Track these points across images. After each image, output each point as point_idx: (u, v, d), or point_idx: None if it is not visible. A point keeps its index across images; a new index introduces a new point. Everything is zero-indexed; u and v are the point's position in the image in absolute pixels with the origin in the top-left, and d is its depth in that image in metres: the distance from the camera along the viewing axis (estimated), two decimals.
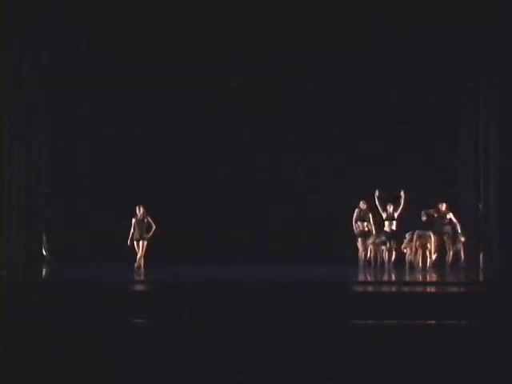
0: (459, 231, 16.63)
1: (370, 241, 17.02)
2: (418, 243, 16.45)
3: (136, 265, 16.32)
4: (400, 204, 16.82)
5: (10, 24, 16.05)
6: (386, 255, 16.95)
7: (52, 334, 9.61)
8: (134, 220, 16.40)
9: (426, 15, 16.81)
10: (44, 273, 16.51)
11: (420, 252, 16.57)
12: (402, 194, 16.83)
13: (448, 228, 16.60)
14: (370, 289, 14.56)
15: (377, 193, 16.90)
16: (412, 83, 17.79)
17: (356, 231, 17.15)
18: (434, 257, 16.51)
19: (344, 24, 17.42)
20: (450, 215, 16.64)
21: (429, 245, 16.51)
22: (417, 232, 16.50)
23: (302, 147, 18.30)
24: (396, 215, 16.89)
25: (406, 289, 14.38)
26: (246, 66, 18.05)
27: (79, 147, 18.24)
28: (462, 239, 16.64)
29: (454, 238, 16.61)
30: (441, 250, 16.65)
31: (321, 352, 9.18)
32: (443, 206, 16.67)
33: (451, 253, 16.74)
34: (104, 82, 17.99)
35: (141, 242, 16.38)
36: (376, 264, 16.94)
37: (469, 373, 8.78)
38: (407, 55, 17.59)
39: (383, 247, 16.91)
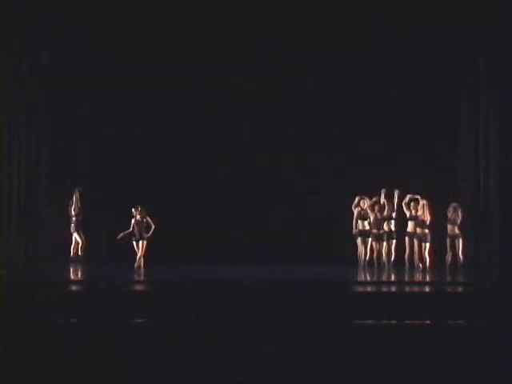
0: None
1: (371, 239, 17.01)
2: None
3: (136, 265, 16.32)
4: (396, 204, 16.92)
5: (10, 24, 16.06)
6: (385, 255, 16.94)
7: (52, 334, 9.61)
8: (133, 220, 16.42)
9: (425, 15, 16.84)
10: (80, 273, 16.40)
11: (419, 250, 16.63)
12: (396, 194, 16.90)
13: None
14: (369, 289, 14.56)
15: (384, 192, 16.94)
16: (412, 83, 17.77)
17: (355, 230, 17.13)
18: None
19: (344, 24, 17.44)
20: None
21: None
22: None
23: (302, 147, 18.29)
24: (394, 215, 16.94)
25: (406, 289, 14.39)
26: (245, 65, 18.03)
27: (79, 147, 18.22)
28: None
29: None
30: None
31: (320, 352, 9.18)
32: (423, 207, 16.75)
33: (451, 253, 16.79)
34: (104, 81, 17.96)
35: (141, 242, 16.40)
36: (379, 263, 16.89)
37: (469, 373, 8.79)
38: (407, 55, 17.58)
39: (384, 244, 16.88)
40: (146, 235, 16.36)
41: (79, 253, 17.48)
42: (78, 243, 17.47)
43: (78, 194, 17.42)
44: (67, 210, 17.47)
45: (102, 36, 17.53)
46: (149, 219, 16.39)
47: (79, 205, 17.44)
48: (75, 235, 17.46)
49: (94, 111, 18.06)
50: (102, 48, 17.80)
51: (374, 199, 16.98)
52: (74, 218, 17.44)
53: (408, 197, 16.74)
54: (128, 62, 18.00)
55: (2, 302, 10.88)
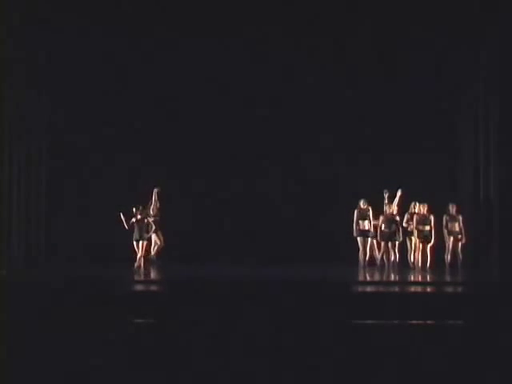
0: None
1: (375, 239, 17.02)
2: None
3: (136, 265, 16.33)
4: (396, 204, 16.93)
5: (10, 24, 16.07)
6: (385, 255, 16.96)
7: (52, 334, 9.60)
8: (133, 220, 16.42)
9: (426, 17, 16.88)
10: (155, 274, 16.31)
11: (420, 250, 16.64)
12: (399, 192, 16.90)
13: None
14: (369, 289, 14.57)
15: (387, 193, 16.88)
16: (412, 83, 17.81)
17: (356, 231, 17.13)
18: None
19: (345, 31, 17.48)
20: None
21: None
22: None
23: (302, 148, 18.29)
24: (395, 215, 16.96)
25: (406, 289, 14.39)
26: (246, 66, 18.03)
27: (79, 147, 18.21)
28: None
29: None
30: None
31: (320, 352, 9.18)
32: (425, 207, 16.73)
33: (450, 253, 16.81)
34: (104, 81, 17.97)
35: (141, 242, 16.40)
36: (389, 263, 16.86)
37: (469, 373, 8.78)
38: (408, 55, 17.63)
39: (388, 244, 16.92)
40: (146, 235, 16.37)
41: (155, 253, 17.19)
42: (156, 244, 17.22)
43: (156, 194, 17.10)
44: (146, 211, 17.09)
45: (102, 36, 17.54)
46: (149, 219, 16.39)
47: (158, 205, 17.16)
48: (154, 236, 17.21)
49: (95, 111, 18.07)
50: (102, 48, 17.80)
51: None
52: (152, 219, 17.14)
53: (411, 207, 16.79)
54: (128, 62, 18.00)
55: (1, 302, 10.88)
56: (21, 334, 9.47)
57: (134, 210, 16.44)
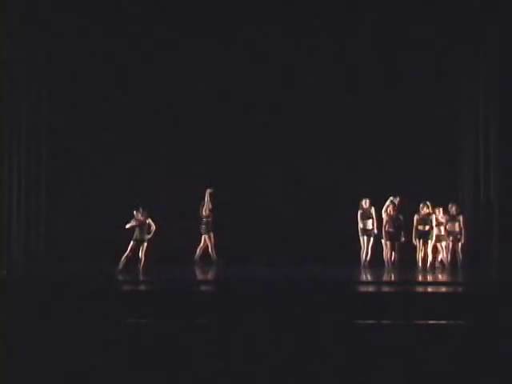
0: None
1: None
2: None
3: (139, 267, 16.28)
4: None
5: (10, 24, 16.07)
6: (387, 255, 16.95)
7: (52, 334, 9.61)
8: (133, 223, 16.34)
9: (426, 17, 16.88)
10: (214, 274, 16.24)
11: (421, 250, 16.64)
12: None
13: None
14: (370, 289, 14.57)
15: (392, 198, 16.84)
16: (412, 84, 17.79)
17: (360, 230, 17.11)
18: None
19: (345, 27, 17.48)
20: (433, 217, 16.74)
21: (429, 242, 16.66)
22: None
23: (303, 149, 18.27)
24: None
25: (406, 289, 14.39)
26: (246, 67, 18.02)
27: (79, 147, 18.19)
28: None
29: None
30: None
31: (321, 351, 9.18)
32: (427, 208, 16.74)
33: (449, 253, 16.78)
34: (104, 81, 17.95)
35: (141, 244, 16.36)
36: (390, 263, 16.86)
37: (469, 373, 8.79)
38: (408, 55, 17.63)
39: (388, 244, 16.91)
40: (147, 236, 16.33)
41: (213, 254, 17.04)
42: (207, 245, 17.13)
43: (208, 194, 17.04)
44: (199, 211, 17.06)
45: (101, 36, 17.53)
46: (150, 220, 16.36)
47: (210, 206, 17.08)
48: (205, 237, 17.13)
49: (95, 112, 18.05)
50: (102, 48, 17.78)
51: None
52: (204, 220, 17.08)
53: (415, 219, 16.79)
54: (129, 62, 17.97)
55: (1, 302, 10.89)
56: (21, 333, 9.48)
57: (134, 212, 16.36)
